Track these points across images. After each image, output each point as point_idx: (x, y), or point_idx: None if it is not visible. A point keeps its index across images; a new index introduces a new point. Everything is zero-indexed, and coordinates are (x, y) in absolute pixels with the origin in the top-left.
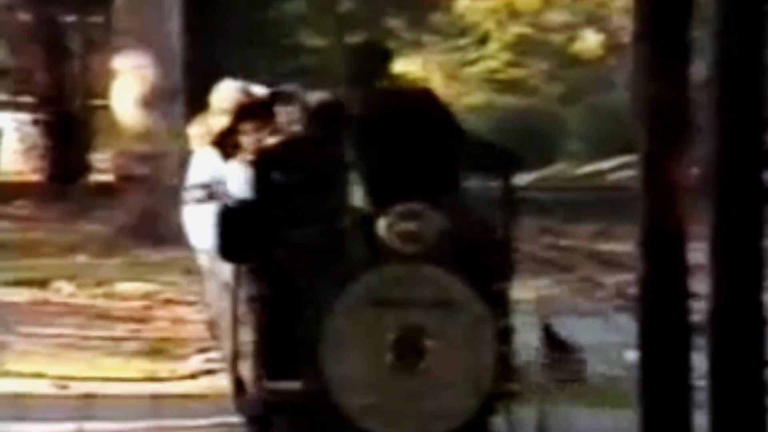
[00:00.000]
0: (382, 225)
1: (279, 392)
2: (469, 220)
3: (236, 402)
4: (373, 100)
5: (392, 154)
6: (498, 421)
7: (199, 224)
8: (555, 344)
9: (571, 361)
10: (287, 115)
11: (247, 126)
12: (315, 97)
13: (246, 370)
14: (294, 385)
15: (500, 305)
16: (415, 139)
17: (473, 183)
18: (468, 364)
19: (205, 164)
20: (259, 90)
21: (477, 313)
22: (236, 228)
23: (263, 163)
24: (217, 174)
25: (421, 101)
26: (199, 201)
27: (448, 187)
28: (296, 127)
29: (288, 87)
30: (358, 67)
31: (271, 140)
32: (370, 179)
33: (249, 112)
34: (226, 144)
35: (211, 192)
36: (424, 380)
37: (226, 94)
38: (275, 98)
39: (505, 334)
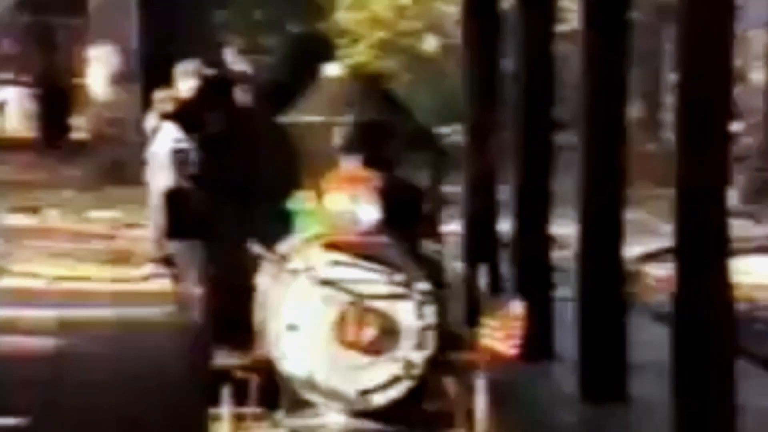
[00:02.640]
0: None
1: (225, 366)
2: (402, 195)
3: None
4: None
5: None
6: (444, 384)
7: (157, 189)
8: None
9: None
10: (242, 95)
11: (208, 101)
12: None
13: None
14: (240, 358)
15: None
16: (360, 124)
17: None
18: (410, 338)
19: (167, 136)
20: (211, 72)
21: (419, 287)
22: (179, 209)
23: (209, 144)
24: (176, 146)
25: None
26: (161, 168)
27: (390, 168)
28: (249, 106)
29: (243, 68)
30: (303, 55)
31: (224, 119)
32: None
33: (211, 88)
34: (186, 118)
35: (171, 160)
36: (366, 355)
37: (188, 70)
38: (233, 77)
39: (443, 305)
